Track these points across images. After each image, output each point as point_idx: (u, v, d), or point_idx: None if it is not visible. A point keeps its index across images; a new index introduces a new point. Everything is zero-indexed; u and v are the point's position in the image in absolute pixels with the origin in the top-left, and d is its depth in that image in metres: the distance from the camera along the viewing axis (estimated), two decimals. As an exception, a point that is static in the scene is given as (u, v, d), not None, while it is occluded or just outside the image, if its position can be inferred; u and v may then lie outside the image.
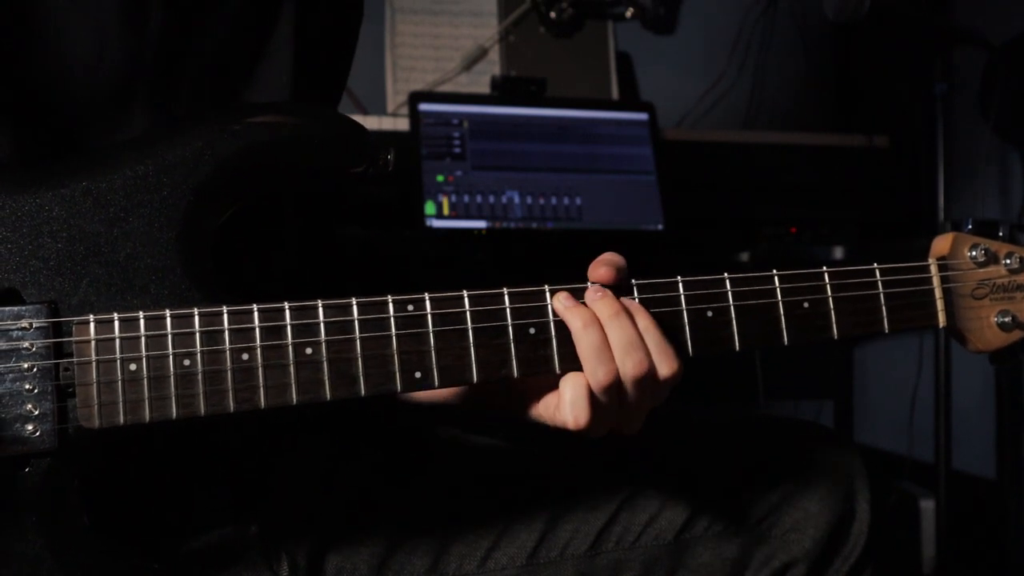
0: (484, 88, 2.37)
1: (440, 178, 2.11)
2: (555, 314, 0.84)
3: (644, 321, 0.84)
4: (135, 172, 0.80)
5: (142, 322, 0.76)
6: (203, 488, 0.96)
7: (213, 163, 0.81)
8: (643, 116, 2.30)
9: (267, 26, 0.94)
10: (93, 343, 0.75)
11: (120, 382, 0.75)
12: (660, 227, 2.19)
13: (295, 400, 0.78)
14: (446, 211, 2.09)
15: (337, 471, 1.05)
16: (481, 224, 2.10)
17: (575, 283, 0.86)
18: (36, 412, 0.75)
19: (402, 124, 2.18)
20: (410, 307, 0.81)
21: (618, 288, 0.85)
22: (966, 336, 0.98)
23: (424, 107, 2.17)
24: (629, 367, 0.82)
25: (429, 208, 2.08)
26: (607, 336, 0.82)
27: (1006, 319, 0.97)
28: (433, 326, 0.81)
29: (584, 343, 0.82)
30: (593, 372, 0.82)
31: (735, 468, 1.03)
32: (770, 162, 2.45)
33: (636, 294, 0.86)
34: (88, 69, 0.84)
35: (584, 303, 0.84)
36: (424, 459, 1.07)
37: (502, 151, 2.18)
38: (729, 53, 2.88)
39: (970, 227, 1.00)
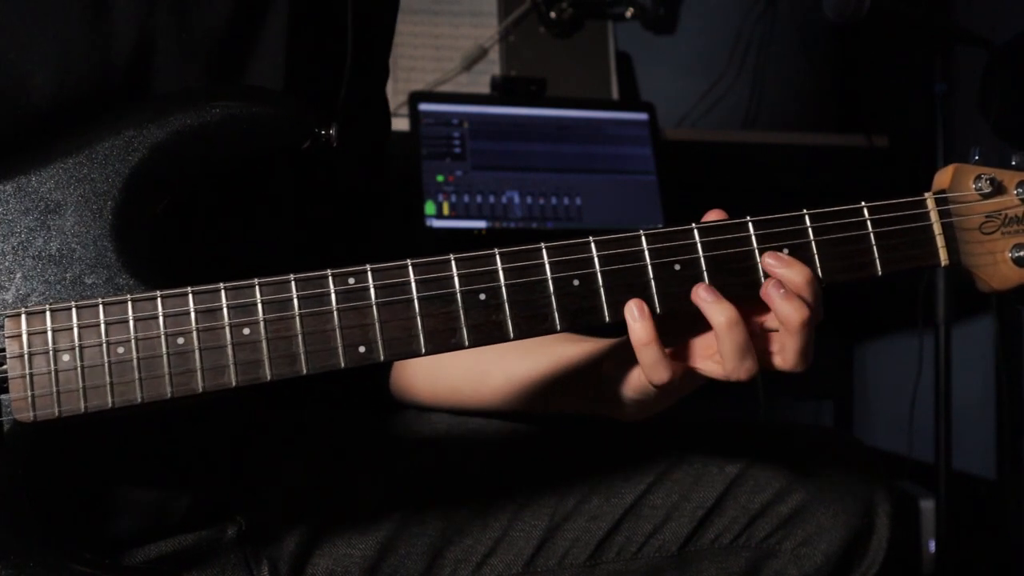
0: (484, 88, 2.37)
1: (440, 178, 2.11)
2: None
3: None
4: (65, 164, 0.79)
5: (74, 312, 0.76)
6: (174, 487, 0.91)
7: (143, 150, 0.80)
8: (643, 116, 2.30)
9: (256, 20, 0.90)
10: (24, 336, 0.75)
11: (52, 373, 0.75)
12: (660, 227, 2.18)
13: (234, 382, 0.77)
14: (446, 211, 2.09)
15: (321, 468, 1.01)
16: (481, 224, 2.10)
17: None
18: None
19: (402, 124, 2.18)
20: (351, 280, 0.79)
21: None
22: (976, 274, 0.90)
23: (424, 107, 2.17)
24: None
25: (429, 208, 2.08)
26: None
27: (1022, 253, 0.89)
28: (376, 298, 0.79)
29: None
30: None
31: (743, 478, 0.98)
32: (770, 162, 2.44)
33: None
34: (54, 82, 0.82)
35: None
36: (417, 455, 1.04)
37: (502, 151, 2.18)
38: (729, 53, 2.88)
39: (977, 158, 0.90)
